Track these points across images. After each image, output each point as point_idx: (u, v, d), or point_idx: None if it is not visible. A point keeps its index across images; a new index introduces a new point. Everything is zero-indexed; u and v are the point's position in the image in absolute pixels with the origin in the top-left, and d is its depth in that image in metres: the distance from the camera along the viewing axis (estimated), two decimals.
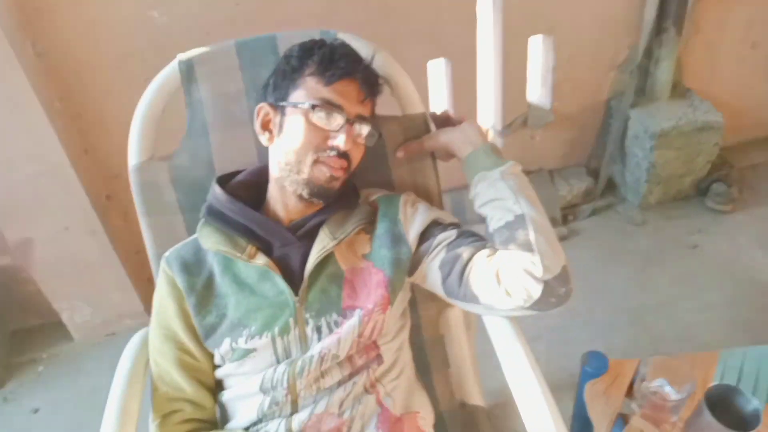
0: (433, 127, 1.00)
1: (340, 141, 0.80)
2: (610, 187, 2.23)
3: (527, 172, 2.10)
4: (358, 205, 0.90)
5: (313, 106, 0.80)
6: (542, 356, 1.69)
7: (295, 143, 0.81)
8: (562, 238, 2.08)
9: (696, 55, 2.06)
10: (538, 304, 0.77)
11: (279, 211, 0.87)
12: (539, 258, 0.75)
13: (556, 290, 0.76)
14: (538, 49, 1.94)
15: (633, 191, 2.14)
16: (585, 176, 2.19)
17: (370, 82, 0.85)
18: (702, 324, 1.74)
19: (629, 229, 2.10)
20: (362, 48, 0.91)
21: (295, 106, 0.82)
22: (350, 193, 0.91)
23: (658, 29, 1.89)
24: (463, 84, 1.90)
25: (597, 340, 1.70)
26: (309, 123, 0.80)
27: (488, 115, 2.04)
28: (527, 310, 0.79)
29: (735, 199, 2.10)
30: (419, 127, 1.01)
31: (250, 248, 0.83)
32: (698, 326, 1.74)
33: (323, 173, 0.82)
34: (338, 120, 0.81)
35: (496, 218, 0.82)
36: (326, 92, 0.81)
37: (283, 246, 0.85)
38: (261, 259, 0.82)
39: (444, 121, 0.98)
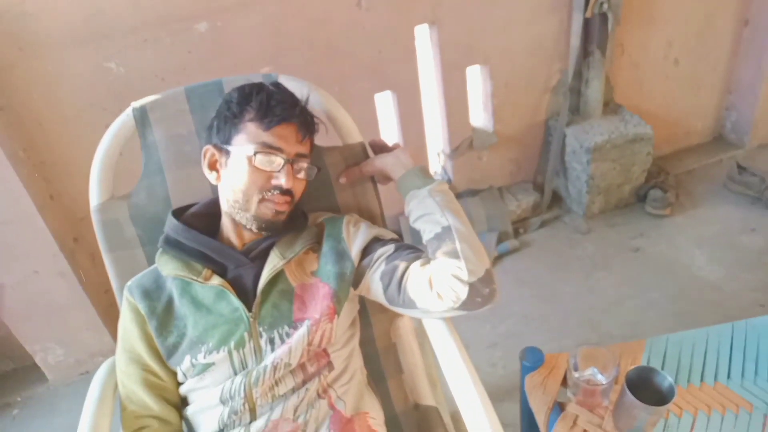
0: (371, 153, 1.10)
1: (281, 181, 0.88)
2: (556, 199, 2.36)
3: (478, 191, 2.24)
4: (307, 228, 0.99)
5: (255, 152, 0.87)
6: (500, 362, 1.79)
7: (240, 184, 0.89)
8: (514, 250, 2.19)
9: (624, 74, 2.22)
10: (467, 305, 0.85)
11: (232, 237, 0.95)
12: (464, 263, 0.84)
13: (480, 291, 0.84)
14: (476, 78, 2.07)
15: (577, 202, 2.27)
16: (532, 191, 2.32)
17: (306, 123, 0.92)
18: (647, 320, 1.85)
19: (576, 237, 2.22)
20: (300, 88, 1.00)
21: (238, 150, 0.88)
22: (299, 217, 0.99)
23: (585, 53, 2.04)
24: (411, 113, 2.02)
25: (550, 343, 1.80)
26: (252, 166, 0.87)
27: (436, 140, 2.16)
28: (458, 311, 0.87)
29: (672, 203, 2.24)
30: (358, 154, 1.11)
31: (206, 271, 0.91)
32: (643, 322, 1.85)
33: (269, 209, 0.90)
34: (279, 161, 0.88)
35: (427, 231, 0.91)
36: (266, 137, 0.87)
37: (237, 267, 0.93)
38: (216, 280, 0.90)
39: (380, 148, 1.08)
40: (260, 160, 0.87)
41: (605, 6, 1.91)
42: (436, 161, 2.27)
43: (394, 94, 1.97)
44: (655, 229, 2.20)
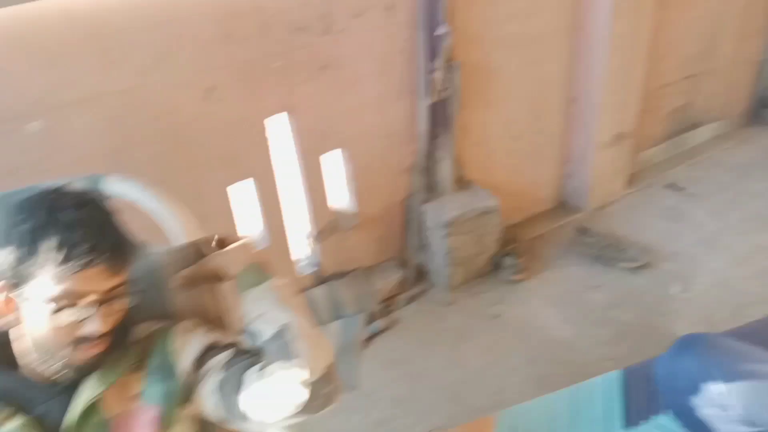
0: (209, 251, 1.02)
1: (95, 328, 0.76)
2: (421, 274, 2.41)
3: (346, 272, 2.23)
4: (131, 344, 0.88)
5: (57, 308, 0.74)
6: None
7: (41, 339, 0.76)
8: (384, 329, 2.19)
9: (471, 153, 2.36)
10: (306, 409, 0.79)
11: (38, 369, 0.81)
12: (302, 363, 0.79)
13: (320, 391, 0.80)
14: (334, 163, 2.10)
15: (440, 275, 2.33)
16: (397, 269, 2.36)
17: (119, 255, 0.79)
18: (510, 386, 1.91)
19: (441, 310, 2.27)
20: (131, 190, 0.93)
21: (34, 297, 0.74)
22: (120, 335, 0.85)
23: (433, 135, 2.15)
24: (270, 201, 1.99)
25: (418, 425, 1.79)
26: (57, 320, 0.75)
27: (301, 225, 2.14)
28: (298, 417, 0.81)
29: (524, 268, 2.37)
30: (194, 254, 1.04)
31: (6, 412, 0.78)
32: (507, 389, 1.90)
33: (85, 354, 0.78)
34: (87, 310, 0.75)
35: (263, 332, 0.84)
36: (69, 283, 0.73)
37: (46, 401, 0.80)
38: (17, 421, 0.77)
39: (217, 245, 0.97)
40: (65, 315, 0.74)
41: (447, 91, 2.04)
42: (304, 246, 2.24)
43: (251, 182, 1.94)
44: (512, 294, 2.31)
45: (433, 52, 1.98)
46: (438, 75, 1.99)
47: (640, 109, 2.68)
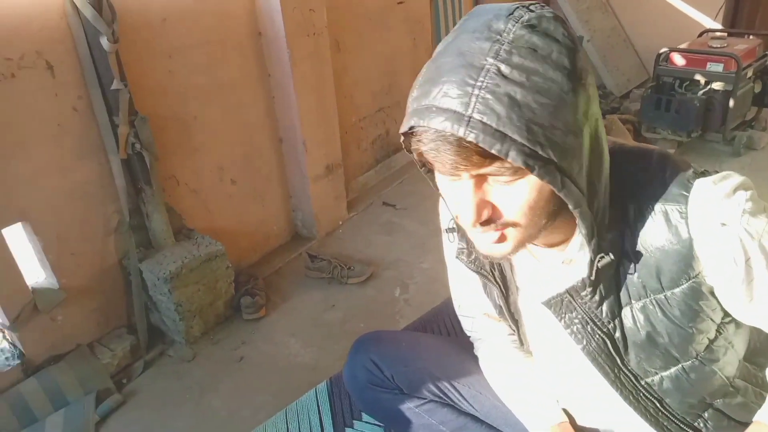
0: None
1: None
2: (158, 335, 2.17)
3: (63, 354, 1.88)
4: None
5: None
6: None
7: None
8: (119, 406, 1.89)
9: (187, 201, 2.20)
10: None
11: None
12: None
13: None
14: (19, 237, 1.77)
15: (176, 332, 2.11)
16: (126, 336, 2.07)
17: None
18: (258, 424, 1.77)
19: (183, 368, 2.05)
20: None
21: None
22: None
23: (137, 191, 1.95)
24: None
25: None
26: None
27: None
28: None
29: (263, 304, 2.28)
30: None
31: None
32: (257, 429, 1.75)
33: None
34: None
35: None
36: None
37: None
38: None
39: None
40: None
41: (137, 146, 1.86)
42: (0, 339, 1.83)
43: None
44: (255, 333, 2.20)
45: (112, 108, 1.79)
46: (122, 130, 1.81)
47: (345, 141, 2.82)
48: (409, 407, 1.15)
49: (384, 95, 3.14)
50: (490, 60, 0.59)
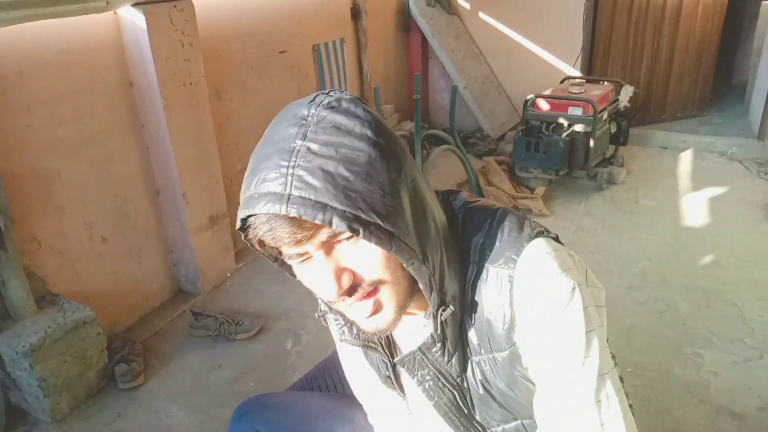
0: None
1: None
2: (20, 416, 1.95)
3: None
4: None
5: None
6: None
7: None
8: None
9: (50, 265, 2.04)
10: None
11: None
12: None
13: None
14: None
15: (41, 411, 1.92)
16: None
17: None
18: None
19: None
20: None
21: None
22: None
23: None
24: None
25: None
26: None
27: None
28: None
29: (141, 371, 2.13)
30: None
31: None
32: None
33: None
34: None
35: None
36: None
37: None
38: None
39: None
40: None
41: None
42: None
43: None
44: (132, 403, 2.04)
45: None
46: None
47: (230, 190, 2.77)
48: None
49: None
50: (299, 142, 0.64)
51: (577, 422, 0.76)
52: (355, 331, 0.90)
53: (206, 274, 2.65)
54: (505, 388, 0.82)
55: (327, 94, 0.69)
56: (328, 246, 0.68)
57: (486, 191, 3.36)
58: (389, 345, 0.93)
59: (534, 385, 0.81)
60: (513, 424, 0.87)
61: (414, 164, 0.72)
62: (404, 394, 0.99)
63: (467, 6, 4.52)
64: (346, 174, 0.63)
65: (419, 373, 0.86)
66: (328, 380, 1.36)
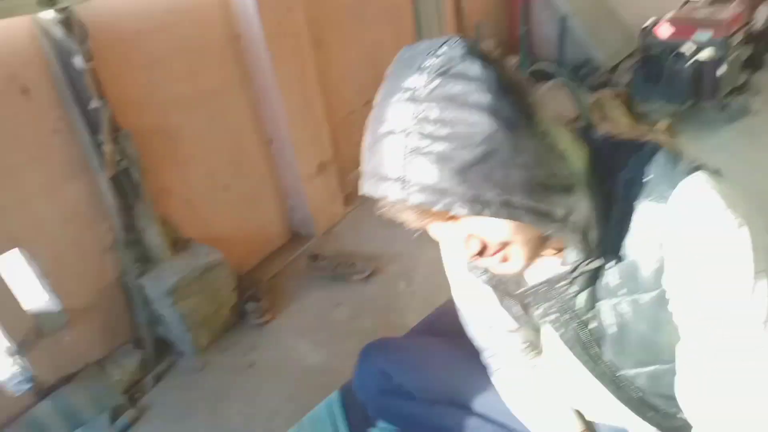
0: None
1: None
2: (165, 348, 2.15)
3: (74, 374, 1.87)
4: None
5: None
6: None
7: None
8: (134, 421, 1.89)
9: (180, 213, 2.19)
10: None
11: None
12: None
13: None
14: (14, 263, 1.76)
15: (183, 343, 2.11)
16: (134, 351, 2.06)
17: None
18: (274, 430, 1.75)
19: (194, 378, 2.04)
20: None
21: None
22: None
23: (126, 207, 1.94)
24: None
25: None
26: None
27: None
28: None
29: (268, 308, 2.26)
30: None
31: None
32: None
33: None
34: None
35: None
36: None
37: None
38: None
39: None
40: None
41: (123, 162, 1.85)
42: (8, 365, 1.83)
43: None
44: (263, 338, 2.18)
45: (94, 127, 1.77)
46: (107, 148, 1.79)
47: (335, 137, 2.79)
48: (421, 411, 1.15)
49: (370, 88, 3.07)
50: (411, 123, 0.60)
51: (732, 372, 0.69)
52: (493, 276, 0.90)
53: (318, 219, 2.72)
54: (647, 331, 0.76)
55: (436, 53, 0.62)
56: (455, 217, 0.67)
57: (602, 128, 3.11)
58: (519, 287, 0.90)
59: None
60: (650, 368, 0.81)
61: (547, 113, 0.65)
62: (537, 336, 0.96)
63: None
64: (463, 154, 0.59)
65: (543, 306, 0.84)
66: (448, 324, 1.36)
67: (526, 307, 0.91)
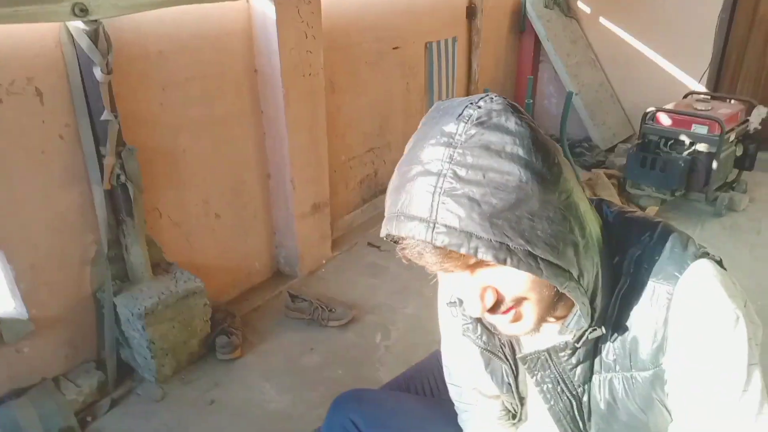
0: None
1: None
2: (127, 371, 2.07)
3: (27, 388, 1.78)
4: None
5: None
6: None
7: None
8: None
9: (168, 235, 2.15)
10: None
11: None
12: None
13: None
14: None
15: (147, 370, 2.03)
16: (95, 371, 1.98)
17: None
18: None
19: (151, 408, 1.96)
20: None
21: None
22: None
23: (117, 222, 1.90)
24: None
25: None
26: None
27: None
28: None
29: (239, 344, 2.20)
30: None
31: None
32: None
33: None
34: None
35: None
36: None
37: None
38: None
39: None
40: None
41: (122, 178, 1.81)
42: None
43: None
44: (228, 375, 2.12)
45: (100, 138, 1.75)
46: (109, 160, 1.77)
47: (333, 180, 2.80)
48: None
49: (375, 136, 3.14)
50: (446, 165, 0.61)
51: None
52: (479, 331, 0.88)
53: (304, 259, 2.70)
54: (636, 410, 0.78)
55: (476, 104, 0.64)
56: (474, 267, 0.67)
57: None
58: (512, 353, 0.89)
59: (669, 412, 0.77)
60: None
61: (571, 175, 0.67)
62: (520, 405, 0.95)
63: (587, 10, 4.29)
64: (494, 201, 0.60)
65: (540, 374, 0.84)
66: (425, 383, 1.33)
67: (516, 374, 0.90)
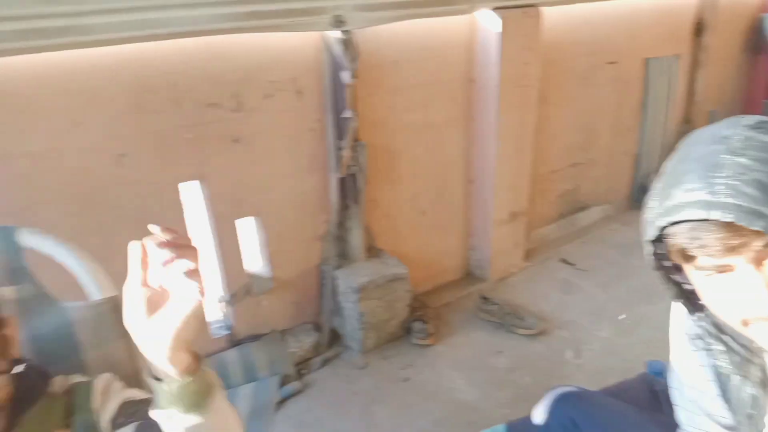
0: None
1: None
2: (336, 338, 2.34)
3: (260, 335, 2.13)
4: (50, 397, 0.79)
5: None
6: None
7: None
8: (297, 392, 2.08)
9: (380, 223, 2.38)
10: None
11: None
12: None
13: None
14: (249, 229, 2.07)
15: (353, 339, 2.27)
16: (312, 332, 2.28)
17: None
18: None
19: (354, 373, 2.18)
20: (47, 244, 0.91)
21: None
22: (36, 385, 0.79)
23: (344, 206, 2.17)
24: None
25: None
26: None
27: (212, 288, 2.06)
28: None
29: (433, 333, 2.34)
30: (107, 312, 0.98)
31: None
32: None
33: None
34: None
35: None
36: None
37: None
38: None
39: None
40: None
41: (354, 168, 2.08)
42: (216, 309, 2.14)
43: None
44: (421, 358, 2.26)
45: (340, 133, 2.03)
46: (345, 153, 2.04)
47: (532, 191, 2.82)
48: None
49: (579, 150, 3.09)
50: (726, 156, 0.62)
51: None
52: (738, 360, 0.82)
53: (495, 265, 2.75)
54: None
55: (741, 119, 0.66)
56: (759, 258, 0.64)
57: None
58: (764, 379, 0.81)
59: None
60: None
61: None
62: None
63: None
64: None
65: None
66: (641, 394, 1.30)
67: (764, 405, 0.81)
